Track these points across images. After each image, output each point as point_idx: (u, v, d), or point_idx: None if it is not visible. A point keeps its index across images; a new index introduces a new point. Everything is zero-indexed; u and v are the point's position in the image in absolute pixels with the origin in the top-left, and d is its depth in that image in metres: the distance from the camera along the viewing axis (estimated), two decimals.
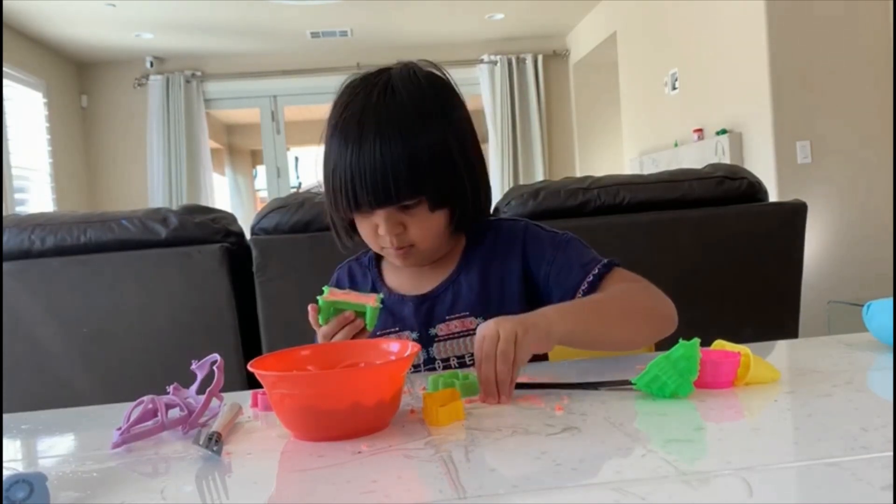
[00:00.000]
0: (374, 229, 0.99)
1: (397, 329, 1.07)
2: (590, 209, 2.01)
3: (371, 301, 0.91)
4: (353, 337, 0.91)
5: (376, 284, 1.10)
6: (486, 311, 1.02)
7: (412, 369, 1.06)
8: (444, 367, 1.05)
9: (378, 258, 1.13)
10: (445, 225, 1.02)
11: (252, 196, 9.26)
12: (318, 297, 0.92)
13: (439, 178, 0.96)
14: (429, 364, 1.06)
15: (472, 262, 1.07)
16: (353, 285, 1.12)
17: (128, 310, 1.97)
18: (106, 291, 1.97)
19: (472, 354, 1.03)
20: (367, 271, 1.13)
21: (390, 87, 0.97)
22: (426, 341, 1.06)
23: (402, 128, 0.94)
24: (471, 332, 1.04)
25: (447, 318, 1.05)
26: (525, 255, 1.06)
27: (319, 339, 0.93)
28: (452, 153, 0.98)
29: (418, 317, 1.06)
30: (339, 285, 1.12)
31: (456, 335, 1.05)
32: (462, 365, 1.05)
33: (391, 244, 0.99)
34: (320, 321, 0.91)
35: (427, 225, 0.99)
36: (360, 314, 0.91)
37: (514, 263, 1.06)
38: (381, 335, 1.06)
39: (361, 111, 0.96)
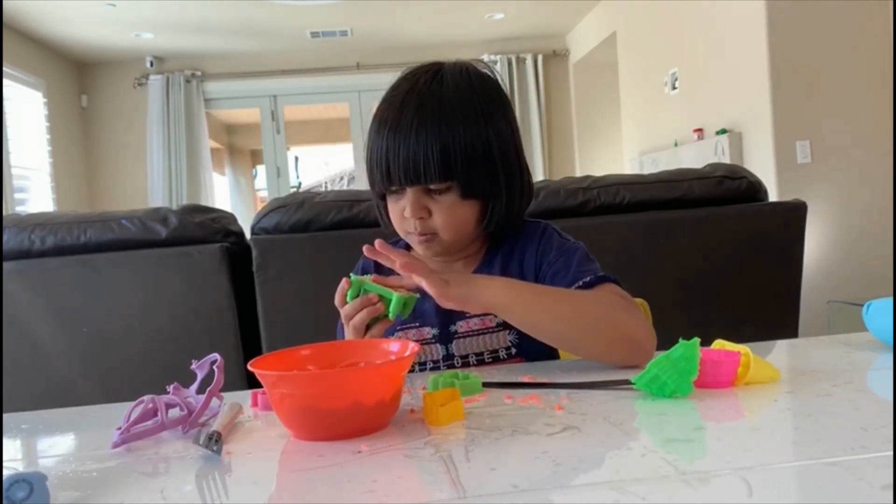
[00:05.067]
0: (402, 213, 1.01)
1: (417, 325, 1.07)
2: (590, 209, 2.01)
3: (401, 291, 0.92)
4: (372, 324, 0.92)
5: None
6: None
7: (430, 367, 1.06)
8: (463, 365, 1.05)
9: (408, 249, 1.13)
10: (475, 219, 1.03)
11: (252, 196, 9.26)
12: (351, 274, 0.94)
13: (473, 170, 0.98)
14: (447, 361, 1.06)
15: (494, 261, 1.08)
16: (379, 272, 1.12)
17: (128, 310, 1.97)
18: (106, 291, 1.97)
19: (491, 352, 1.05)
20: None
21: (439, 77, 1.00)
22: (446, 338, 1.06)
23: (442, 115, 0.96)
24: (490, 330, 1.05)
25: (467, 315, 1.05)
26: (537, 253, 1.07)
27: (343, 319, 0.95)
28: (491, 151, 0.99)
29: (439, 313, 1.05)
30: (364, 271, 1.13)
31: (475, 332, 1.05)
32: (481, 362, 1.05)
33: (415, 229, 1.01)
34: (348, 297, 0.93)
35: (452, 214, 1.00)
36: (386, 302, 0.92)
37: (531, 262, 1.07)
38: (400, 330, 1.07)
39: (406, 93, 0.99)
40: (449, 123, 0.96)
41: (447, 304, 0.88)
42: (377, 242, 0.91)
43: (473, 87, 1.00)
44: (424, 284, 0.86)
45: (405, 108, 0.97)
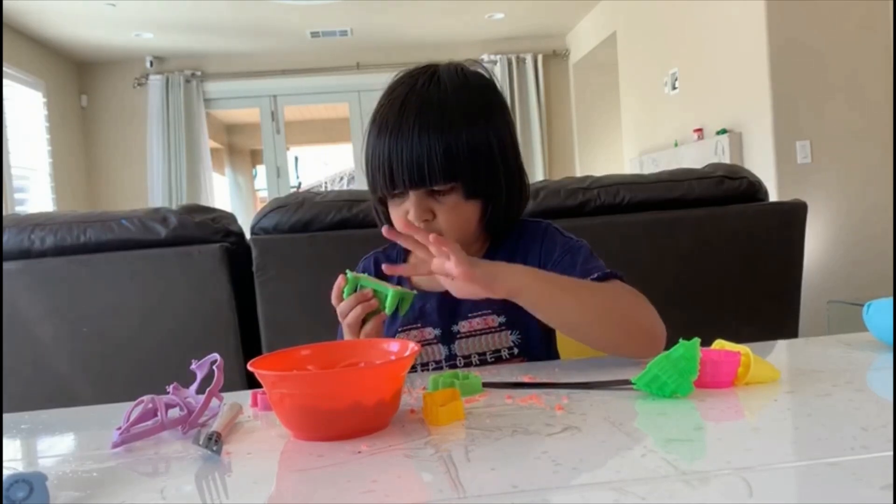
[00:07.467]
0: (405, 216, 1.00)
1: (419, 325, 1.07)
2: (590, 209, 2.01)
3: (399, 288, 0.93)
4: (367, 318, 0.93)
5: (402, 279, 1.10)
6: (507, 309, 1.01)
7: (433, 367, 1.06)
8: (466, 365, 1.05)
9: (406, 253, 1.12)
10: (477, 219, 1.03)
11: (252, 196, 9.26)
12: (347, 270, 0.95)
13: (475, 170, 0.98)
14: (450, 361, 1.06)
15: (497, 260, 1.08)
16: (379, 276, 1.12)
17: (128, 310, 1.97)
18: (106, 291, 1.97)
19: (493, 352, 1.05)
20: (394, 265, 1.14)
21: (436, 78, 1.00)
22: (448, 338, 1.06)
23: (443, 116, 0.96)
24: (493, 330, 1.05)
25: (470, 315, 1.05)
26: (541, 253, 1.07)
27: (339, 316, 0.96)
28: (492, 150, 0.99)
29: (441, 313, 1.06)
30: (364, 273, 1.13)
31: (478, 332, 1.05)
32: (483, 362, 1.05)
33: None
34: (344, 294, 0.94)
35: (456, 214, 1.00)
36: (381, 297, 0.93)
37: (534, 262, 1.06)
38: (402, 331, 1.07)
39: (405, 96, 0.98)
40: (451, 124, 0.96)
41: (469, 286, 0.86)
42: (403, 223, 0.90)
43: (471, 86, 1.01)
44: (452, 260, 0.84)
45: (405, 111, 0.97)
